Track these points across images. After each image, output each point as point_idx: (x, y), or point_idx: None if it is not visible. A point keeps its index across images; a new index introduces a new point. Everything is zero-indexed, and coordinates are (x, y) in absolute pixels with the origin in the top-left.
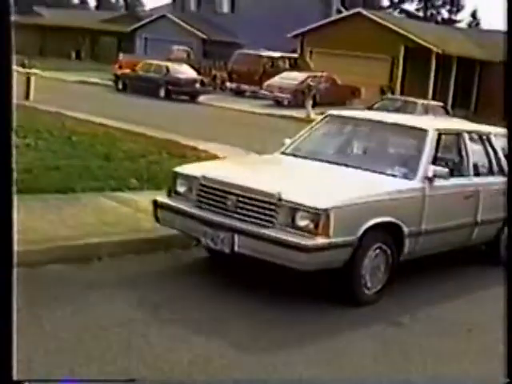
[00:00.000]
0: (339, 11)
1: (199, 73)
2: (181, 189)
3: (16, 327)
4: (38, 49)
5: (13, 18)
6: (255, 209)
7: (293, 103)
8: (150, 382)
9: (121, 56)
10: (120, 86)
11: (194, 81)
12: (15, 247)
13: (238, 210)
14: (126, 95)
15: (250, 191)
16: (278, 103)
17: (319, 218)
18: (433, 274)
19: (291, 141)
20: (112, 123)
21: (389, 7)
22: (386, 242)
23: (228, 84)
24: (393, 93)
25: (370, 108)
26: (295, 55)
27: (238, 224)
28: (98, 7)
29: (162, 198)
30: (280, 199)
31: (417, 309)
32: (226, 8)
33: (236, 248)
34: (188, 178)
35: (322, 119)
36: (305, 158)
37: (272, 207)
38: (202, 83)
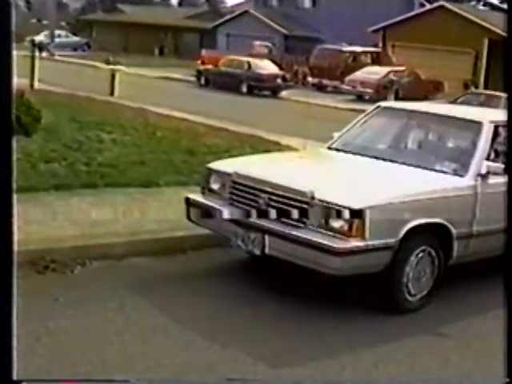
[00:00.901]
0: (422, 5)
1: (281, 68)
2: (214, 186)
3: (97, 316)
4: (121, 45)
5: (98, 15)
6: (287, 208)
7: (375, 98)
8: (148, 381)
9: (203, 52)
10: (202, 82)
11: (276, 76)
12: (99, 241)
13: (269, 209)
14: (209, 91)
15: (281, 189)
16: (360, 98)
17: (353, 218)
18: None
19: (339, 134)
20: (195, 118)
21: (472, 0)
22: (432, 245)
23: (309, 79)
24: (476, 87)
25: (452, 102)
26: (377, 49)
27: (269, 224)
28: (180, 4)
29: (195, 195)
30: (313, 198)
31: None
32: (307, 3)
33: (267, 250)
34: (221, 175)
35: (372, 111)
36: (349, 152)
37: (304, 206)
38: (284, 78)
